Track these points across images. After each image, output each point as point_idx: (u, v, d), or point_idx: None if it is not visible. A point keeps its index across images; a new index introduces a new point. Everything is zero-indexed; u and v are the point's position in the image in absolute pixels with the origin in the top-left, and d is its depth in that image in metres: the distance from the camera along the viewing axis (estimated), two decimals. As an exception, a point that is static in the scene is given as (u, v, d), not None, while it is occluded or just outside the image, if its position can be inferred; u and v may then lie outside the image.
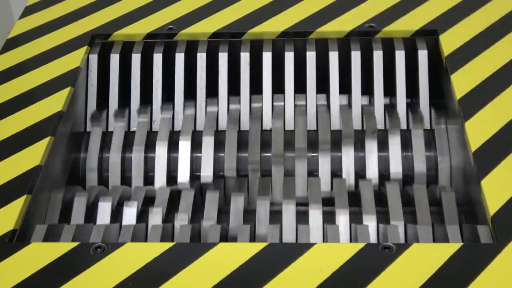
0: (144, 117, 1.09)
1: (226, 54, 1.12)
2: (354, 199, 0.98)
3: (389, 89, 1.10)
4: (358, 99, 1.09)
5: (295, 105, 1.10)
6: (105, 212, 0.93)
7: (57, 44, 1.13)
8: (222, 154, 1.05)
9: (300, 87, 1.11)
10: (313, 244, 0.80)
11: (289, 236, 0.89)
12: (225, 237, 0.91)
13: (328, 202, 0.96)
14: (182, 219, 0.92)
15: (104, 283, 0.76)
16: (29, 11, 1.21)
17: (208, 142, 1.05)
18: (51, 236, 0.88)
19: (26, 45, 1.13)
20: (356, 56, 1.10)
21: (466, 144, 0.93)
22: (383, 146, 1.04)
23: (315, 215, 0.91)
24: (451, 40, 1.08)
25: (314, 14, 1.15)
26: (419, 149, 1.02)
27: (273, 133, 1.06)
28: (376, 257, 0.78)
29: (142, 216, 0.95)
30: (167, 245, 0.81)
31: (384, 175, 1.02)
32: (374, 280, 0.75)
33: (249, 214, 0.94)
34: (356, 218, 0.92)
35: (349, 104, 1.11)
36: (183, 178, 1.04)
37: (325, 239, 0.89)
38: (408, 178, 1.02)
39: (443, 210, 0.91)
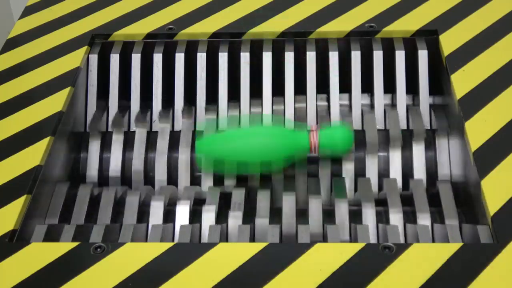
0: (145, 117, 1.09)
1: (226, 54, 1.12)
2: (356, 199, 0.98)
3: (389, 89, 1.10)
4: (358, 99, 1.09)
5: (295, 106, 1.10)
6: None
7: (57, 44, 1.13)
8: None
9: (300, 87, 1.11)
10: (313, 244, 0.80)
11: (289, 236, 0.89)
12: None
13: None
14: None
15: (104, 283, 0.76)
16: (29, 11, 1.21)
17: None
18: (51, 236, 0.88)
19: (26, 45, 1.13)
20: (356, 56, 1.10)
21: (466, 144, 0.93)
22: (384, 146, 1.04)
23: (316, 214, 0.91)
24: (451, 40, 1.08)
25: (314, 14, 1.15)
26: (419, 149, 1.02)
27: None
28: (376, 257, 0.78)
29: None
30: (167, 245, 0.81)
31: (384, 175, 1.02)
32: (374, 280, 0.75)
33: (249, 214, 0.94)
34: (357, 218, 0.92)
35: (350, 105, 1.11)
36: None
37: (325, 239, 0.89)
38: (408, 177, 1.02)
39: (443, 210, 0.91)
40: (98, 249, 0.80)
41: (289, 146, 0.99)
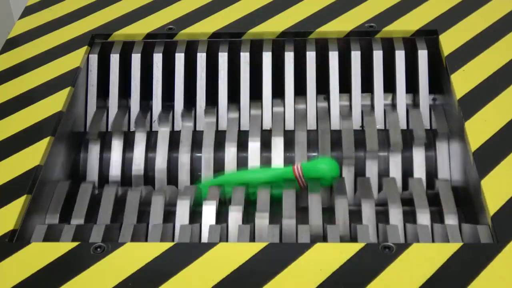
0: (145, 117, 1.09)
1: (226, 54, 1.12)
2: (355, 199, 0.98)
3: (389, 89, 1.10)
4: (358, 99, 1.09)
5: (295, 106, 1.10)
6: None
7: (57, 44, 1.13)
8: (222, 154, 1.05)
9: (300, 87, 1.11)
10: (313, 244, 0.80)
11: (289, 236, 0.89)
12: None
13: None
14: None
15: (104, 283, 0.76)
16: (29, 11, 1.21)
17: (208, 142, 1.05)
18: (51, 236, 0.88)
19: (26, 45, 1.13)
20: (356, 56, 1.10)
21: (466, 143, 0.93)
22: (383, 146, 1.04)
23: (316, 215, 0.91)
24: (451, 40, 1.08)
25: (314, 14, 1.15)
26: (418, 149, 1.02)
27: (273, 133, 1.06)
28: (376, 257, 0.78)
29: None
30: (167, 245, 0.81)
31: (383, 175, 1.02)
32: (374, 280, 0.75)
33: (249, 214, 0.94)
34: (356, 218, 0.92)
35: (350, 105, 1.11)
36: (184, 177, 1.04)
37: (325, 239, 0.89)
38: (408, 178, 1.02)
39: (443, 210, 0.91)
40: (98, 249, 0.80)
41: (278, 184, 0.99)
